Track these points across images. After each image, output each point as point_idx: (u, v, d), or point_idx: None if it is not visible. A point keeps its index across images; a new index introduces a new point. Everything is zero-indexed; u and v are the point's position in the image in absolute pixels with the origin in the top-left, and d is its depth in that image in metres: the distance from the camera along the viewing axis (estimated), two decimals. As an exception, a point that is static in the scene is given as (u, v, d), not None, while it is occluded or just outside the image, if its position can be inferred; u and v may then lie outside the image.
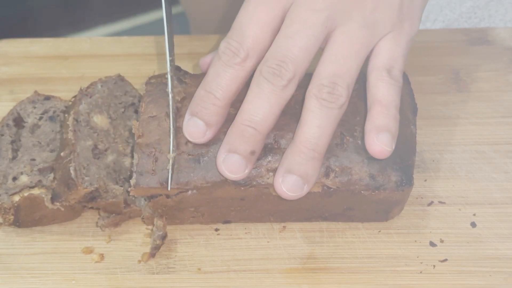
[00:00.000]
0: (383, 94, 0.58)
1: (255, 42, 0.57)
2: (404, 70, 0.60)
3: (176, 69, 0.62)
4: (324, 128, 0.56)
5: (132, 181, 0.58)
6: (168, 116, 0.59)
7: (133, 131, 0.60)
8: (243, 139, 0.56)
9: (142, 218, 0.62)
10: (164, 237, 0.59)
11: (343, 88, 0.56)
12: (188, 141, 0.58)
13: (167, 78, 0.61)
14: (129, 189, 0.58)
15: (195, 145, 0.58)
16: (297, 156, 0.56)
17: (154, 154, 0.58)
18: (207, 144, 0.58)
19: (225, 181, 0.57)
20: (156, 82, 0.62)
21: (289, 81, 0.56)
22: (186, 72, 0.63)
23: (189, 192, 0.58)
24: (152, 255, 0.59)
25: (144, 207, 0.61)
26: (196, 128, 0.57)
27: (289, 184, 0.56)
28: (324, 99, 0.56)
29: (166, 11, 0.61)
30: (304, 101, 0.57)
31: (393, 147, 0.57)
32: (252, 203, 0.60)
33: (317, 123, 0.55)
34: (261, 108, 0.56)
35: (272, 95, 0.56)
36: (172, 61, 0.61)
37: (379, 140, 0.56)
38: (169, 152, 0.58)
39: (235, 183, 0.58)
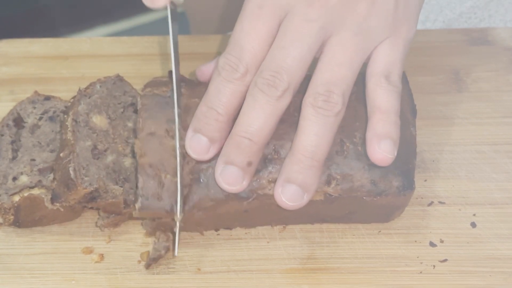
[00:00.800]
0: (382, 100, 0.58)
1: (253, 56, 0.57)
2: (402, 73, 0.60)
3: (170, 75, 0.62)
4: (321, 136, 0.56)
5: (137, 205, 0.57)
6: (168, 133, 0.59)
7: (135, 150, 0.59)
8: (239, 150, 0.56)
9: (142, 224, 0.62)
10: (168, 248, 0.59)
11: (339, 96, 0.56)
12: (188, 161, 0.58)
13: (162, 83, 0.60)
14: (133, 212, 0.58)
15: (194, 163, 0.58)
16: (295, 165, 0.56)
17: (159, 176, 0.57)
18: (207, 160, 0.58)
19: (228, 196, 0.57)
20: (152, 93, 0.61)
21: (283, 92, 0.56)
22: (182, 79, 0.62)
23: (195, 214, 0.58)
24: (148, 265, 0.59)
25: (145, 225, 0.60)
26: (199, 145, 0.57)
27: (288, 194, 0.56)
28: (320, 107, 0.56)
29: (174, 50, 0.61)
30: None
31: (395, 153, 0.57)
32: (255, 214, 0.59)
33: (314, 131, 0.55)
34: (257, 119, 0.56)
35: (267, 106, 0.56)
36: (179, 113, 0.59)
37: (381, 148, 0.57)
38: (175, 176, 0.57)
39: (239, 198, 0.57)
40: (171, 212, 0.57)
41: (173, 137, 0.58)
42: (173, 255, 0.59)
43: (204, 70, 0.64)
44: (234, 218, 0.60)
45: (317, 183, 0.57)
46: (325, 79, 0.56)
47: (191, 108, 0.59)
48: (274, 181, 0.57)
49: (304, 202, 0.57)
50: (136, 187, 0.58)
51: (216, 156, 0.58)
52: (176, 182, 0.57)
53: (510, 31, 0.81)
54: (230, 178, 0.56)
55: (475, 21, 0.87)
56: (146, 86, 0.62)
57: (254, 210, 0.59)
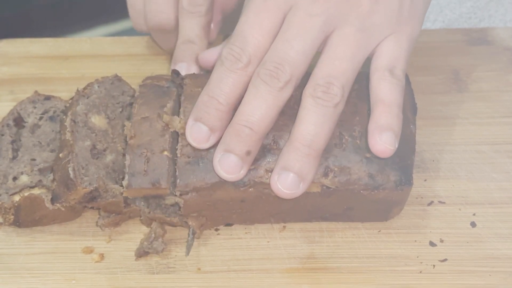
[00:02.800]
0: (385, 93, 0.58)
1: (257, 48, 0.58)
2: (406, 69, 0.60)
3: (174, 73, 0.63)
4: (319, 126, 0.56)
5: (124, 183, 0.58)
6: (160, 117, 0.59)
7: (125, 132, 0.60)
8: (239, 139, 0.56)
9: (141, 219, 0.62)
10: (164, 249, 0.60)
11: (338, 88, 0.56)
12: (188, 144, 0.58)
13: (163, 78, 0.62)
14: (122, 191, 0.59)
15: (194, 148, 0.58)
16: (292, 153, 0.56)
17: (146, 154, 0.58)
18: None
19: (225, 182, 0.58)
20: (151, 83, 0.63)
21: (286, 83, 0.56)
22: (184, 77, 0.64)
23: (189, 194, 0.58)
24: (139, 256, 0.60)
25: (143, 210, 0.61)
26: (199, 133, 0.58)
27: (285, 181, 0.57)
28: (319, 97, 0.56)
29: None
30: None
31: (396, 145, 0.57)
32: (253, 205, 0.60)
33: (312, 121, 0.56)
34: (258, 109, 0.56)
35: (269, 96, 0.56)
36: None
37: (382, 140, 0.57)
38: (162, 152, 0.58)
39: (234, 184, 0.58)
40: (158, 184, 0.58)
41: (164, 121, 0.60)
42: (186, 255, 0.60)
43: (207, 57, 0.65)
44: (232, 209, 0.60)
45: (314, 173, 0.57)
46: (325, 72, 0.57)
47: (194, 97, 0.60)
48: (272, 171, 0.58)
49: (300, 191, 0.57)
50: (120, 169, 0.59)
51: (215, 144, 0.58)
52: (163, 156, 0.58)
53: (510, 31, 0.81)
54: (229, 166, 0.57)
55: (475, 21, 0.87)
56: (147, 78, 0.64)
57: (251, 201, 0.59)
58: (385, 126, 0.57)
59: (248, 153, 0.57)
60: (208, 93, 0.58)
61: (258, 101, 0.56)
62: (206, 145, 0.58)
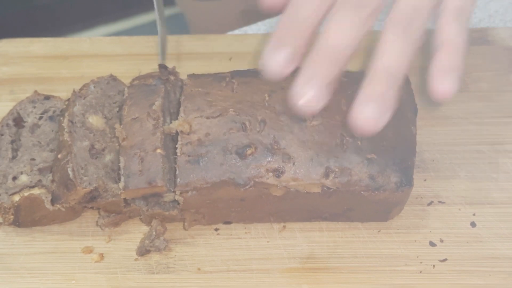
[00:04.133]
0: (452, 36, 0.55)
1: None
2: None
3: (161, 67, 0.64)
4: (401, 55, 0.53)
5: (121, 184, 0.58)
6: (150, 116, 0.59)
7: (116, 135, 0.60)
8: (323, 66, 0.52)
9: (140, 218, 0.62)
10: (166, 246, 0.60)
11: (420, 23, 0.54)
12: (188, 142, 0.58)
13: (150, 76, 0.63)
14: (119, 193, 0.59)
15: (195, 146, 0.58)
16: (377, 84, 0.52)
17: (139, 154, 0.59)
18: (206, 145, 0.58)
19: (225, 181, 0.58)
20: (138, 84, 0.63)
21: (373, 11, 0.53)
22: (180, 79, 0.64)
23: (189, 193, 0.58)
24: (141, 254, 0.60)
25: (142, 209, 0.61)
26: (282, 58, 0.52)
27: (369, 112, 0.51)
28: (404, 28, 0.53)
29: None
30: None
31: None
32: (252, 204, 0.60)
33: (395, 51, 0.53)
34: (343, 35, 0.52)
35: (356, 22, 0.53)
36: None
37: (447, 81, 0.54)
38: (155, 150, 0.58)
39: (235, 184, 0.58)
40: (154, 183, 0.58)
41: (154, 118, 0.60)
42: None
43: None
44: (231, 207, 0.60)
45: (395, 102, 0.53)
46: (408, 8, 0.54)
47: (194, 97, 0.60)
48: (272, 170, 0.58)
49: (385, 120, 0.51)
50: (119, 168, 0.59)
51: (212, 140, 0.57)
52: (156, 155, 0.58)
53: (510, 31, 0.81)
54: (311, 95, 0.51)
55: (475, 21, 0.87)
56: (134, 79, 0.64)
57: (251, 200, 0.59)
58: (452, 67, 0.54)
59: (329, 83, 0.52)
60: (289, 15, 0.53)
61: (344, 25, 0.52)
62: (287, 71, 0.52)
